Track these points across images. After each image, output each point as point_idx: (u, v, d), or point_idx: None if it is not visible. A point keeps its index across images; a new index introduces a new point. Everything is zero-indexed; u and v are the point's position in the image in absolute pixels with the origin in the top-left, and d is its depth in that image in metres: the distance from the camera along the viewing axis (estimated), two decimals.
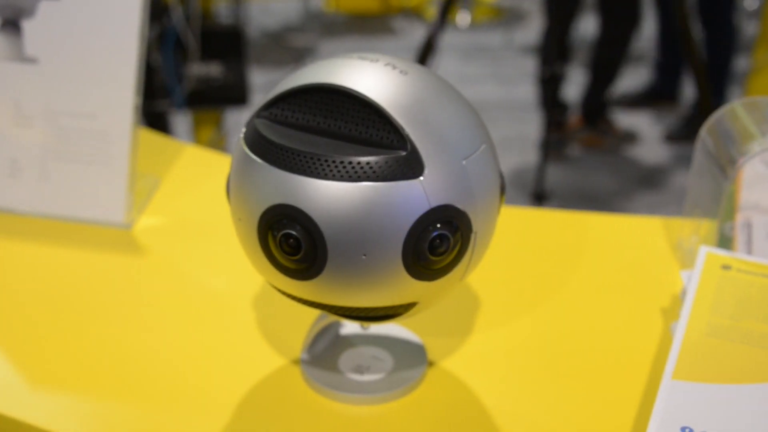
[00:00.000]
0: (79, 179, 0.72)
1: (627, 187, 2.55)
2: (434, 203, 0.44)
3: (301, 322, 0.58)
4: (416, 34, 4.01)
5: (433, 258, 0.45)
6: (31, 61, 0.72)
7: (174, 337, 0.60)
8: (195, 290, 0.65)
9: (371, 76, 0.46)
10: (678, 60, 2.88)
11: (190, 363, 0.57)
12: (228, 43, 1.98)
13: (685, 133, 2.75)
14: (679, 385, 0.47)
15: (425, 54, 1.70)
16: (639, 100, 3.05)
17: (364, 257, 0.44)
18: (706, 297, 0.54)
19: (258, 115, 0.48)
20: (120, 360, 0.57)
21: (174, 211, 0.76)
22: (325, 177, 0.44)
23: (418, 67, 0.49)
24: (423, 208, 0.44)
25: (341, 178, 0.43)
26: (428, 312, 0.61)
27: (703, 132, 0.65)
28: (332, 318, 0.54)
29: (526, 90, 3.12)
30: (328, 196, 0.44)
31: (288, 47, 3.81)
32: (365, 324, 0.56)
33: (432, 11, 4.21)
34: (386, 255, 0.44)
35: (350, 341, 0.58)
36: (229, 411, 0.52)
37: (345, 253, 0.44)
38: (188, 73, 1.91)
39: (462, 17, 4.15)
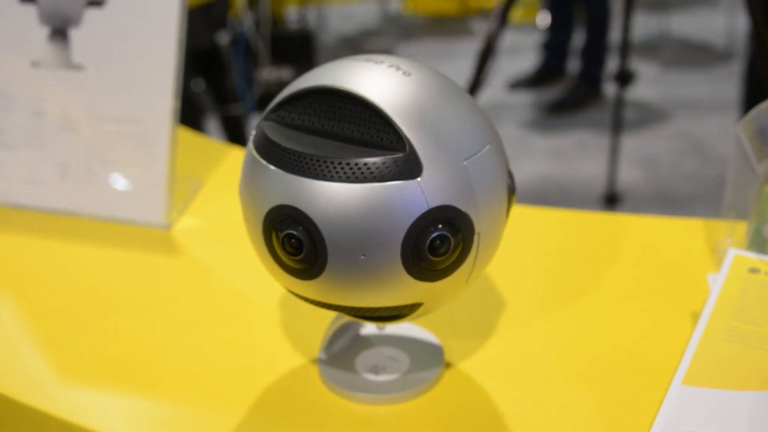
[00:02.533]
0: (122, 181, 0.75)
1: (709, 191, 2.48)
2: (433, 204, 0.44)
3: (324, 322, 0.59)
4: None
5: (434, 259, 0.45)
6: (77, 68, 0.75)
7: (200, 334, 0.61)
8: (224, 290, 0.67)
9: (374, 78, 0.46)
10: (566, 38, 3.19)
11: (213, 360, 0.58)
12: (298, 47, 2.01)
13: (569, 103, 3.05)
14: (688, 390, 0.46)
15: (485, 57, 1.69)
16: (532, 82, 3.27)
17: (363, 257, 0.45)
18: (730, 301, 0.52)
19: (266, 117, 0.49)
20: (147, 356, 0.59)
21: (213, 213, 0.78)
22: (324, 178, 0.44)
23: (424, 68, 0.49)
24: (421, 208, 0.44)
25: (340, 180, 0.44)
26: (450, 314, 0.61)
27: (739, 130, 0.63)
28: (347, 318, 0.55)
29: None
30: (328, 197, 0.44)
31: (364, 51, 3.84)
32: (380, 324, 0.56)
33: (512, 13, 4.17)
34: (385, 255, 0.45)
35: (368, 341, 0.58)
36: (247, 408, 0.53)
37: (344, 253, 0.45)
38: (259, 77, 1.95)
39: (542, 17, 4.10)
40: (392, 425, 0.52)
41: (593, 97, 3.06)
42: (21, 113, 0.77)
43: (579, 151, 2.73)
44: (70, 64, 0.75)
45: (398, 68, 0.47)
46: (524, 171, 2.58)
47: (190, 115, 2.00)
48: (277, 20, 2.01)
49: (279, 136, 0.47)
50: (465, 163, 0.45)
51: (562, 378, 0.55)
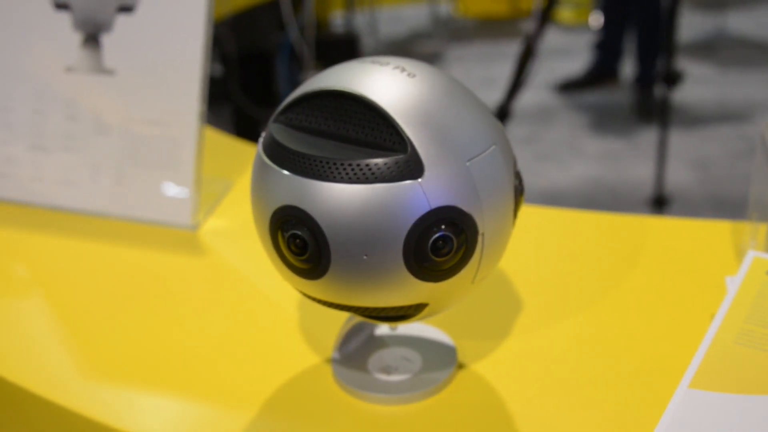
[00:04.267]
0: (150, 183, 0.77)
1: None
2: (435, 204, 0.44)
3: (338, 322, 0.59)
4: (546, 36, 3.95)
5: (437, 259, 0.45)
6: (109, 73, 0.77)
7: (220, 333, 0.62)
8: (246, 290, 0.68)
9: (378, 80, 0.47)
10: (619, 39, 3.13)
11: (231, 359, 0.59)
12: (343, 51, 2.03)
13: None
14: (695, 394, 0.45)
15: (525, 59, 1.68)
16: (584, 83, 3.24)
17: (365, 258, 0.45)
18: (745, 303, 0.51)
19: (275, 119, 0.50)
20: (168, 354, 0.60)
21: (240, 214, 0.79)
22: (327, 179, 0.45)
23: (430, 69, 0.49)
24: (423, 209, 0.44)
25: (342, 180, 0.44)
26: (464, 314, 0.61)
27: (765, 131, 0.61)
28: (359, 318, 0.55)
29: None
30: (330, 198, 0.45)
31: (415, 53, 3.84)
32: (392, 324, 0.57)
33: (564, 14, 4.13)
34: (387, 256, 0.45)
35: (382, 341, 0.59)
36: (260, 407, 0.54)
37: (347, 253, 0.45)
38: (303, 81, 1.97)
39: (595, 18, 4.05)
40: (404, 425, 0.52)
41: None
42: (56, 117, 0.80)
43: (630, 153, 2.69)
44: (102, 69, 0.77)
45: (403, 70, 0.48)
46: (574, 173, 2.56)
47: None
48: (322, 24, 2.02)
49: (286, 138, 0.48)
50: (468, 163, 0.45)
51: (575, 380, 0.55)
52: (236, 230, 0.77)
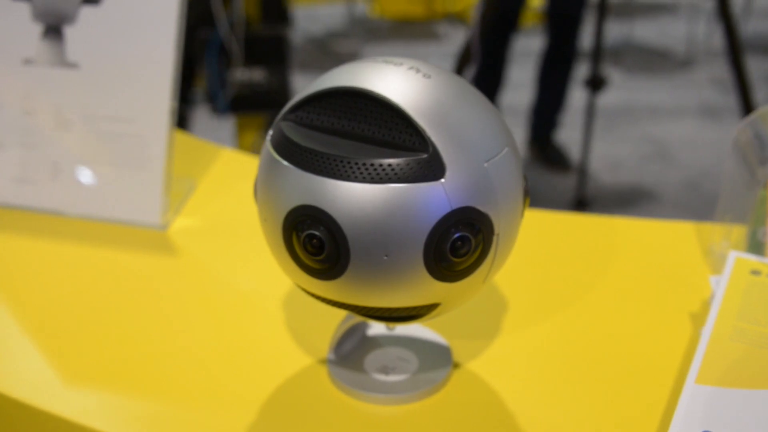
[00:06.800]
0: (117, 182, 0.74)
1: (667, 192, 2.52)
2: (455, 205, 0.45)
3: (329, 323, 0.59)
4: (460, 39, 4.01)
5: (455, 259, 0.46)
6: (72, 66, 0.74)
7: (204, 336, 0.61)
8: (226, 291, 0.66)
9: (394, 80, 0.47)
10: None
11: (219, 361, 0.58)
12: (271, 49, 2.00)
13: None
14: (701, 389, 0.47)
15: (462, 62, 1.70)
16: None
17: (385, 258, 0.45)
18: (734, 302, 0.54)
19: (284, 117, 0.49)
20: (151, 357, 0.59)
21: (209, 214, 0.78)
22: (348, 179, 0.44)
23: (442, 70, 0.49)
24: (444, 209, 0.45)
25: (363, 180, 0.44)
26: (455, 314, 0.61)
27: (736, 135, 0.64)
28: (358, 318, 0.55)
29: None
30: (351, 197, 0.44)
31: (332, 53, 3.84)
32: (390, 325, 0.57)
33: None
34: (408, 256, 0.45)
35: (376, 342, 0.59)
36: (256, 409, 0.53)
37: (367, 253, 0.45)
38: (232, 78, 1.94)
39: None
40: (402, 425, 0.52)
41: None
42: (11, 111, 0.76)
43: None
44: (64, 62, 0.75)
45: (418, 70, 0.48)
46: None
47: None
48: (250, 21, 2.00)
49: (300, 137, 0.47)
50: (486, 165, 0.46)
51: (567, 377, 0.56)
52: (206, 229, 0.75)
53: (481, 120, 0.47)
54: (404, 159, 0.44)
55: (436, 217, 0.45)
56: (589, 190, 2.34)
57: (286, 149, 0.47)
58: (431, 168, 0.44)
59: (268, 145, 0.49)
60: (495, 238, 0.47)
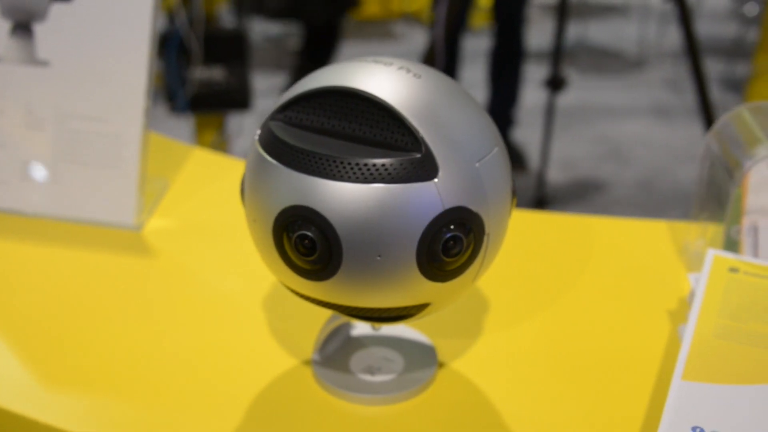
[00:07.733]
0: (90, 182, 0.73)
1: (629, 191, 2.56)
2: (448, 205, 0.45)
3: (313, 323, 0.59)
4: (417, 38, 4.02)
5: (447, 259, 0.46)
6: (42, 64, 0.73)
7: (185, 337, 0.60)
8: (205, 291, 0.66)
9: (385, 80, 0.47)
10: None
11: (201, 363, 0.58)
12: (231, 48, 1.98)
13: None
14: (688, 385, 0.48)
15: (427, 63, 1.71)
16: None
17: (378, 258, 0.45)
18: (714, 299, 0.55)
19: (273, 117, 0.49)
20: (130, 360, 0.58)
21: (183, 214, 0.77)
22: (341, 179, 0.44)
23: (432, 71, 0.49)
24: (437, 209, 0.45)
25: (356, 180, 0.44)
26: (439, 314, 0.62)
27: (710, 136, 0.66)
28: (344, 319, 0.55)
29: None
30: (344, 197, 0.44)
31: (290, 52, 3.82)
32: (376, 325, 0.57)
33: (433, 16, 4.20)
34: (400, 256, 0.45)
35: (361, 342, 0.58)
36: (241, 411, 0.53)
37: (360, 254, 0.45)
38: (191, 76, 1.92)
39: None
40: (389, 425, 0.52)
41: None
42: None
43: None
44: (34, 60, 0.73)
45: (408, 70, 0.48)
46: None
47: None
48: (209, 19, 1.98)
49: (290, 137, 0.47)
50: (477, 164, 0.46)
51: (550, 375, 0.57)
52: (181, 230, 0.74)
53: (471, 120, 0.47)
54: (397, 159, 0.44)
55: (429, 217, 0.45)
56: (547, 188, 2.36)
57: (277, 149, 0.47)
58: (424, 168, 0.44)
59: (256, 145, 0.49)
60: (486, 237, 0.47)
